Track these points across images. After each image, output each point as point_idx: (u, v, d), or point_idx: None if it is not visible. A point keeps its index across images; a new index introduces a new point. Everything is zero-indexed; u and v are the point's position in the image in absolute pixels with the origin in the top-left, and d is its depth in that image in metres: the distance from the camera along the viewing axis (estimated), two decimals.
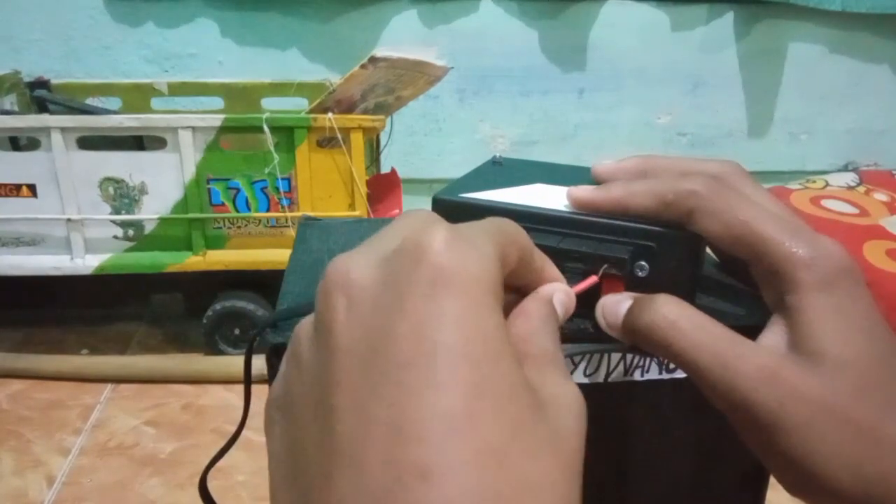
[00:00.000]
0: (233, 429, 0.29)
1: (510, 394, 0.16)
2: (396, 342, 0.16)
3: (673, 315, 0.24)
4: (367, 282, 0.18)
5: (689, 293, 0.28)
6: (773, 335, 0.24)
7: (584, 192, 0.28)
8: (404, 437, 0.15)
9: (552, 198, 0.30)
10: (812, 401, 0.22)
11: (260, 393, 0.28)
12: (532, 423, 0.16)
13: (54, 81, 1.06)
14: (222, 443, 0.30)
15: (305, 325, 0.19)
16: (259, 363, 0.27)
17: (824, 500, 0.23)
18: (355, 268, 0.18)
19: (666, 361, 0.30)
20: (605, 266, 0.27)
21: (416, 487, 0.14)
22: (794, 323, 0.24)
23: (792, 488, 0.23)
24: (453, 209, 0.29)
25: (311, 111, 0.85)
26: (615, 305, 0.26)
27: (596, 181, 0.30)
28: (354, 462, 0.15)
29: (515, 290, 0.23)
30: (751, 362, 0.23)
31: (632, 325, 0.25)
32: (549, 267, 0.24)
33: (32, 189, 0.85)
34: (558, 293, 0.24)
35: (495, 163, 0.37)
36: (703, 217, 0.26)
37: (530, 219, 0.28)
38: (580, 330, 0.29)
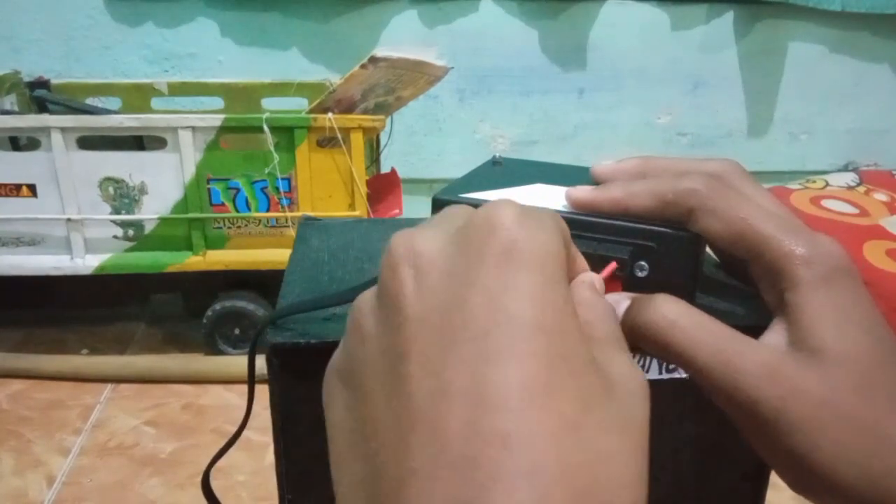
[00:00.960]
0: (233, 429, 0.29)
1: (583, 369, 0.16)
2: (471, 311, 0.16)
3: (672, 314, 0.24)
4: (435, 253, 0.18)
5: (689, 293, 0.28)
6: (774, 333, 0.24)
7: (584, 192, 0.28)
8: (485, 405, 0.15)
9: (552, 198, 0.30)
10: (814, 397, 0.22)
11: (260, 393, 0.28)
12: (603, 399, 0.17)
13: (54, 81, 1.06)
14: (222, 443, 0.30)
15: (367, 296, 0.19)
16: (259, 363, 0.27)
17: (829, 497, 0.23)
18: (422, 240, 0.18)
19: (666, 362, 0.30)
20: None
21: (497, 455, 0.15)
22: (794, 320, 0.24)
23: (796, 486, 0.24)
24: None
25: (311, 111, 0.85)
26: (613, 305, 0.26)
27: (595, 182, 0.30)
28: (433, 428, 0.15)
29: None
30: (752, 359, 0.23)
31: (630, 325, 0.25)
32: (580, 257, 0.24)
33: (32, 189, 0.85)
34: (596, 281, 0.24)
35: (495, 163, 0.37)
36: (704, 216, 0.26)
37: None
38: None
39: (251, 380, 0.29)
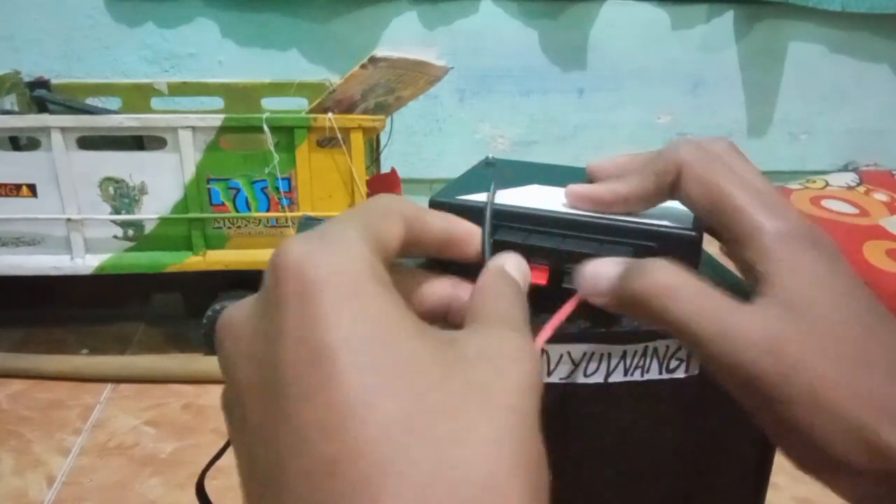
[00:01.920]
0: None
1: (407, 362, 0.16)
2: (280, 364, 0.16)
3: (670, 280, 0.23)
4: (244, 319, 0.18)
5: None
6: (762, 304, 0.23)
7: (583, 187, 0.29)
8: (308, 443, 0.15)
9: (550, 199, 0.30)
10: (814, 371, 0.22)
11: None
12: (441, 380, 0.16)
13: (54, 81, 1.06)
14: (222, 443, 0.30)
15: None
16: None
17: (833, 474, 0.22)
18: (235, 309, 0.18)
19: (666, 362, 0.30)
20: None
21: (331, 485, 0.14)
22: (765, 291, 0.23)
23: (803, 465, 0.23)
24: (451, 212, 0.29)
25: (311, 111, 0.85)
26: (602, 268, 0.25)
27: (591, 179, 0.30)
28: (271, 484, 0.16)
29: (434, 257, 0.23)
30: (753, 331, 0.22)
31: (622, 292, 0.24)
32: (453, 224, 0.24)
33: (32, 189, 0.85)
34: (509, 262, 0.24)
35: (488, 164, 0.37)
36: (686, 182, 0.26)
37: (530, 220, 0.28)
38: (584, 331, 0.29)
39: None
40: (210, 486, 0.29)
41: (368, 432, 0.14)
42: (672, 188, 0.27)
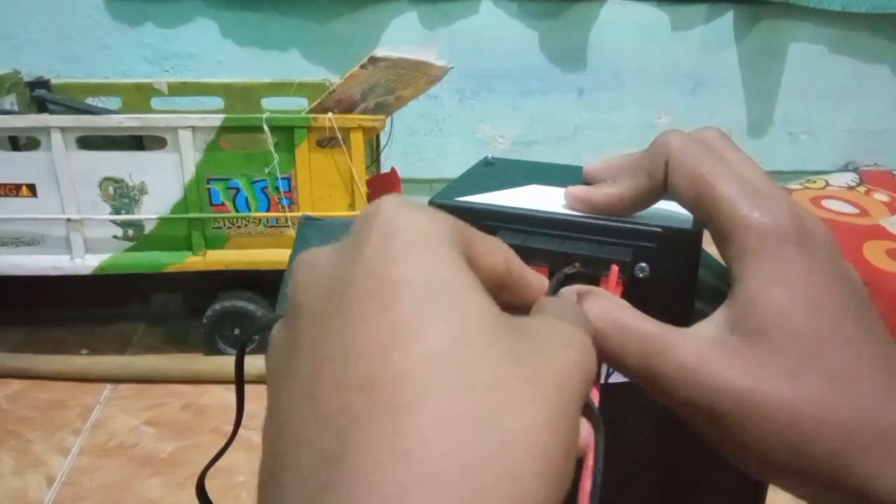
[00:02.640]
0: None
1: (463, 311, 0.16)
2: (349, 286, 0.16)
3: (597, 320, 0.23)
4: (325, 252, 0.19)
5: (689, 293, 0.28)
6: (717, 316, 0.23)
7: (580, 190, 0.29)
8: (348, 360, 0.15)
9: (549, 199, 0.30)
10: (740, 389, 0.21)
11: (260, 393, 0.28)
12: (491, 335, 0.16)
13: (54, 81, 1.06)
14: (222, 443, 0.30)
15: (279, 322, 0.20)
16: (259, 363, 0.27)
17: (788, 481, 0.22)
18: (314, 252, 0.19)
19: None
20: (576, 266, 0.27)
21: (357, 401, 0.14)
22: (735, 297, 0.22)
23: (756, 474, 0.22)
24: (450, 213, 0.29)
25: (311, 111, 0.85)
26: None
27: (587, 182, 0.30)
28: (309, 398, 0.16)
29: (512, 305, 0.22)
30: (675, 360, 0.21)
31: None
32: (531, 274, 0.23)
33: (32, 189, 0.85)
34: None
35: (487, 164, 0.37)
36: (673, 175, 0.25)
37: (530, 221, 0.28)
38: None
39: (239, 382, 0.28)
40: (210, 486, 0.29)
41: (410, 359, 0.15)
42: (663, 183, 0.26)
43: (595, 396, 0.22)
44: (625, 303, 0.24)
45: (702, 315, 0.24)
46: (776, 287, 0.21)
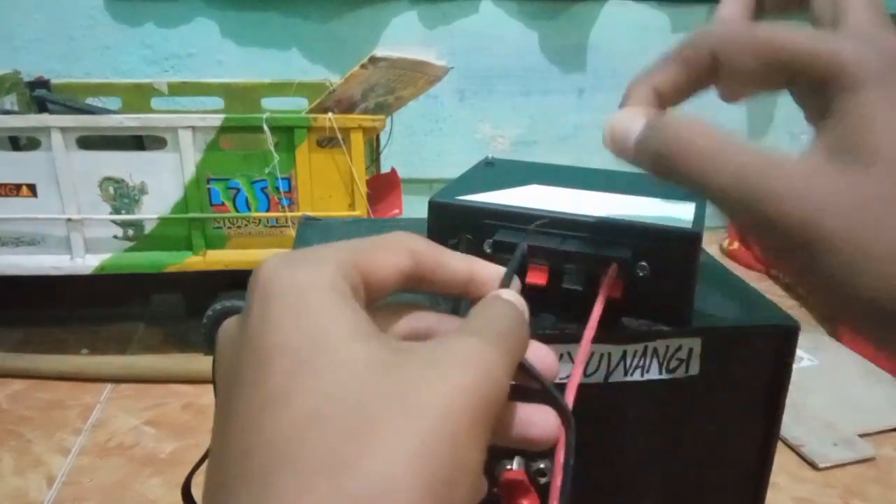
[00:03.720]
0: None
1: (339, 363, 0.16)
2: (239, 361, 0.17)
3: (688, 136, 0.21)
4: (234, 322, 0.20)
5: (689, 292, 0.28)
6: (813, 147, 0.21)
7: (620, 112, 0.26)
8: (232, 432, 0.16)
9: (549, 199, 0.30)
10: (850, 207, 0.19)
11: None
12: (371, 380, 0.16)
13: (54, 81, 1.06)
14: None
15: None
16: None
17: (868, 322, 0.19)
18: (230, 322, 0.21)
19: (666, 362, 0.30)
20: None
21: (236, 472, 0.16)
22: (841, 126, 0.20)
23: (836, 318, 0.21)
24: (451, 212, 0.29)
25: (311, 111, 0.85)
26: (626, 123, 0.24)
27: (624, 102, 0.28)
28: (210, 464, 0.17)
29: (452, 295, 0.23)
30: (777, 176, 0.20)
31: (644, 150, 0.23)
32: (477, 265, 0.22)
33: (32, 189, 0.85)
34: (509, 291, 0.22)
35: (488, 164, 0.37)
36: (727, 57, 0.23)
37: (531, 221, 0.28)
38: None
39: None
40: None
41: (278, 425, 0.15)
42: (709, 74, 0.25)
43: (570, 395, 0.22)
44: (716, 128, 0.22)
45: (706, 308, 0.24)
46: (891, 111, 0.19)
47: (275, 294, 0.18)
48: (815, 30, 0.22)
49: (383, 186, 0.99)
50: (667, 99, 0.26)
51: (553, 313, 0.29)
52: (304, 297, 0.17)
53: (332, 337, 0.17)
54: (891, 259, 0.18)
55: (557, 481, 0.19)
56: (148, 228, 0.87)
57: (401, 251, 0.21)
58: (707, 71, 0.24)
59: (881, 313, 0.19)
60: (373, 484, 0.14)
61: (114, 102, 1.07)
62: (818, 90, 0.21)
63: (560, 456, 0.19)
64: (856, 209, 0.19)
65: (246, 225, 0.88)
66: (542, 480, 0.28)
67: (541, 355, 0.21)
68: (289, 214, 0.87)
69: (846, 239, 0.18)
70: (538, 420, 0.20)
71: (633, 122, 0.23)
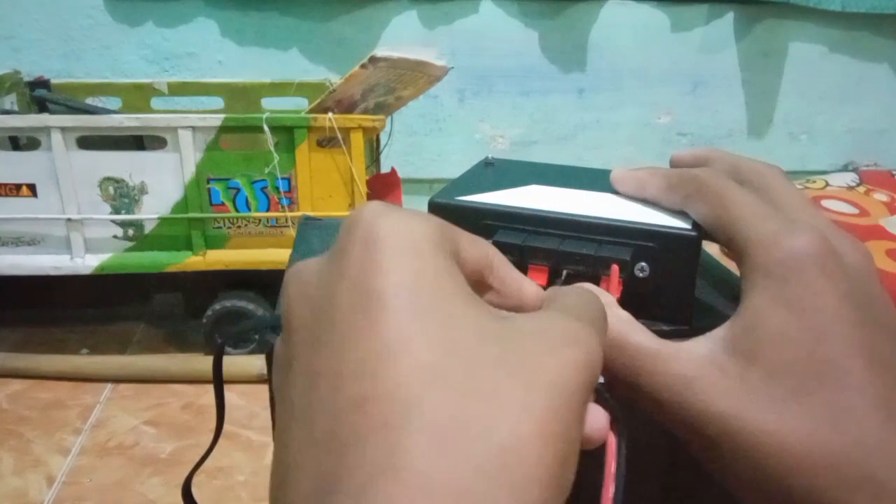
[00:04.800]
0: (233, 428, 0.29)
1: (452, 319, 0.16)
2: (335, 303, 0.16)
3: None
4: (313, 267, 0.18)
5: (688, 292, 0.28)
6: (718, 333, 0.22)
7: (621, 172, 0.30)
8: (340, 379, 0.15)
9: (549, 199, 0.30)
10: (727, 414, 0.20)
11: (260, 393, 0.28)
12: (483, 342, 0.15)
13: (54, 81, 1.06)
14: (224, 442, 0.30)
15: (279, 338, 0.20)
16: (259, 363, 0.27)
17: None
18: (304, 264, 0.19)
19: None
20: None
21: (352, 418, 0.14)
22: (738, 316, 0.21)
23: (739, 498, 0.22)
24: (451, 213, 0.29)
25: (311, 111, 0.85)
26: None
27: (671, 164, 0.31)
28: (304, 417, 0.16)
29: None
30: (660, 380, 0.21)
31: None
32: (522, 279, 0.22)
33: (32, 189, 0.85)
34: (589, 285, 0.24)
35: (487, 164, 0.37)
36: (696, 200, 0.25)
37: (530, 221, 0.28)
38: None
39: (218, 383, 0.28)
40: (210, 486, 0.29)
41: (398, 375, 0.14)
42: (683, 205, 0.27)
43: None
44: (621, 313, 0.23)
45: (706, 308, 0.24)
46: (779, 309, 0.20)
47: (384, 236, 0.17)
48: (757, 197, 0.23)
49: (383, 186, 0.99)
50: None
51: None
52: (418, 245, 0.17)
53: (445, 290, 0.16)
54: (765, 451, 0.19)
55: (610, 491, 0.18)
56: (148, 228, 0.87)
57: (484, 246, 0.20)
58: (680, 201, 0.27)
59: None
60: (502, 451, 0.14)
61: (114, 102, 1.07)
62: (738, 264, 0.23)
63: (612, 466, 0.18)
64: (721, 420, 0.20)
65: (246, 225, 0.88)
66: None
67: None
68: (289, 214, 0.87)
69: (729, 437, 0.20)
70: (590, 417, 0.19)
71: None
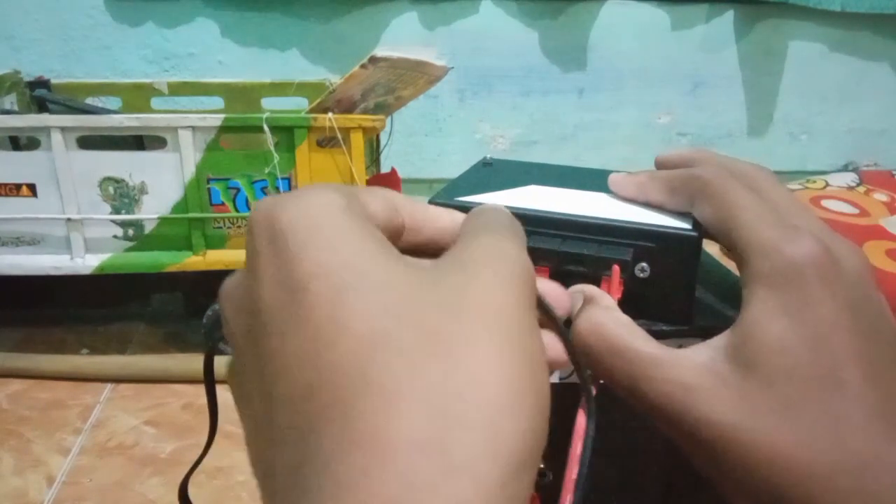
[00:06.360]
0: (233, 428, 0.29)
1: (378, 283, 0.16)
2: (264, 306, 0.16)
3: (587, 333, 0.22)
4: (238, 280, 0.19)
5: (689, 293, 0.28)
6: (718, 340, 0.22)
7: (619, 177, 0.30)
8: (288, 376, 0.15)
9: (549, 199, 0.30)
10: (724, 423, 0.20)
11: None
12: (415, 295, 0.15)
13: (54, 81, 1.06)
14: (224, 442, 0.30)
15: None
16: None
17: None
18: (230, 280, 0.20)
19: None
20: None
21: (307, 410, 0.15)
22: (738, 323, 0.21)
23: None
24: None
25: (311, 111, 0.85)
26: (570, 297, 0.25)
27: (656, 165, 0.31)
28: (268, 423, 0.16)
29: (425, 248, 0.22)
30: (658, 387, 0.21)
31: (574, 330, 0.23)
32: (448, 214, 0.22)
33: (32, 189, 0.85)
34: (488, 204, 0.23)
35: (486, 164, 0.37)
36: (700, 202, 0.25)
37: (530, 221, 0.28)
38: None
39: (211, 394, 0.28)
40: (211, 486, 0.29)
41: (340, 354, 0.14)
42: (687, 207, 0.27)
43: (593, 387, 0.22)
44: (621, 317, 0.23)
45: (706, 307, 0.24)
46: (779, 318, 0.20)
47: (286, 228, 0.17)
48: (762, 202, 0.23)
49: (383, 186, 0.99)
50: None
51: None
52: (321, 222, 0.17)
53: (366, 257, 0.16)
54: (761, 460, 0.19)
55: (573, 473, 0.18)
56: (148, 228, 0.87)
57: (382, 192, 0.20)
58: (684, 204, 0.27)
59: None
60: (459, 394, 0.14)
61: (114, 102, 1.07)
62: (741, 270, 0.22)
63: (578, 448, 0.18)
64: (719, 429, 0.20)
65: (246, 225, 0.88)
66: (543, 481, 0.28)
67: (549, 290, 0.20)
68: None
69: (709, 459, 0.21)
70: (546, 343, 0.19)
71: (575, 298, 0.24)
